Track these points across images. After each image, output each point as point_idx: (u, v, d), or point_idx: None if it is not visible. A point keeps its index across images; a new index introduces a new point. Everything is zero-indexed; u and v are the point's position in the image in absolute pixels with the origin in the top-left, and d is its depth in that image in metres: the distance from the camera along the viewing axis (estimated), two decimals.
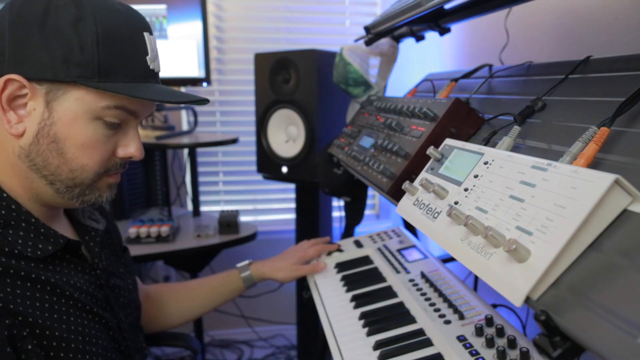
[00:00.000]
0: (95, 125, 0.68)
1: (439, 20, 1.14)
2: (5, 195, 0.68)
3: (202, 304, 1.12)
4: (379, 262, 1.10)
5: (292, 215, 2.35)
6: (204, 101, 0.75)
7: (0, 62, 0.64)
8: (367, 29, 1.22)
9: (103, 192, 0.74)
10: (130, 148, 0.73)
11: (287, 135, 1.72)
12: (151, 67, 0.72)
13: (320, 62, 1.57)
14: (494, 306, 0.83)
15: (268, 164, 1.74)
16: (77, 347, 0.68)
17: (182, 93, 0.78)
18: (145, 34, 0.71)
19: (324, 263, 1.15)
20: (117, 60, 0.67)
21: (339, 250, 1.21)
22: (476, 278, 1.13)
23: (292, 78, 1.63)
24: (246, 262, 1.15)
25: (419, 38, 1.28)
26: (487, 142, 0.72)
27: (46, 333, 0.64)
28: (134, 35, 0.69)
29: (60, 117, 0.66)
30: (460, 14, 1.07)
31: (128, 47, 0.68)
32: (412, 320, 0.84)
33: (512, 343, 0.68)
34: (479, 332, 0.73)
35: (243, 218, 2.14)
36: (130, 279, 0.92)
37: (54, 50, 0.63)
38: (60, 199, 0.71)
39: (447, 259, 1.07)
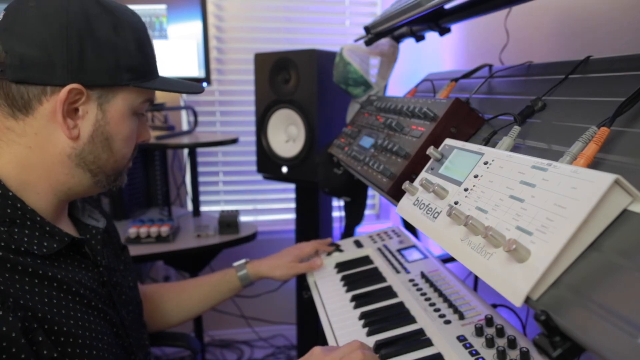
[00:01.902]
0: (133, 119, 0.77)
1: (439, 20, 1.13)
2: (10, 194, 0.68)
3: (200, 303, 1.13)
4: (379, 262, 1.10)
5: (292, 215, 2.35)
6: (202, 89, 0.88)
7: (51, 73, 0.67)
8: (367, 29, 1.22)
9: (125, 176, 0.83)
10: (145, 134, 0.83)
11: (287, 135, 1.72)
12: (157, 60, 0.81)
13: (320, 62, 1.57)
14: (494, 306, 0.83)
15: (268, 164, 1.74)
16: (84, 342, 0.68)
17: (188, 82, 0.88)
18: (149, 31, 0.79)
19: (320, 260, 1.15)
20: (149, 60, 0.77)
21: (339, 250, 1.21)
22: (476, 278, 1.13)
23: (292, 78, 1.63)
24: (243, 260, 1.16)
25: (419, 38, 1.28)
26: (487, 142, 0.72)
27: (55, 328, 0.65)
28: (148, 35, 0.78)
29: (113, 116, 0.74)
30: (460, 14, 1.07)
31: (149, 46, 0.78)
32: (412, 320, 0.84)
33: (512, 343, 0.68)
34: (479, 332, 0.73)
35: (243, 218, 2.14)
36: (130, 277, 0.93)
37: (107, 58, 0.70)
38: (95, 187, 0.78)
39: (447, 259, 1.07)
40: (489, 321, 0.74)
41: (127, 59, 0.72)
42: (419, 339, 0.78)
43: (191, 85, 0.87)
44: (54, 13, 0.67)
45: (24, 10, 0.67)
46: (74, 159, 0.72)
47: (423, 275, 0.96)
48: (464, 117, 0.79)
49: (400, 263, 1.05)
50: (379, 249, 1.16)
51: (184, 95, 2.16)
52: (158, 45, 0.80)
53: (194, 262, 1.80)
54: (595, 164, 0.51)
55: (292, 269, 1.14)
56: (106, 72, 0.70)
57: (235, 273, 1.13)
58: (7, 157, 0.70)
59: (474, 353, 0.69)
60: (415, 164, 0.79)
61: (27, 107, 0.68)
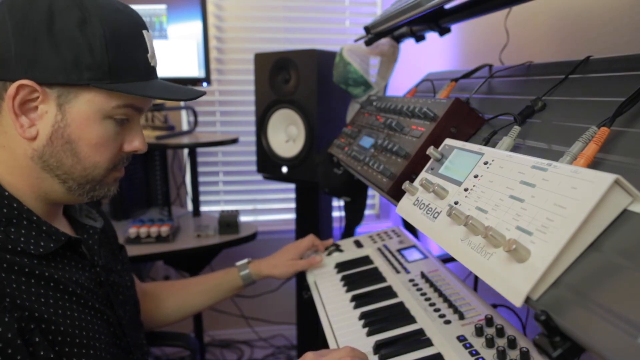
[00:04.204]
0: (106, 124, 0.70)
1: (439, 21, 1.13)
2: (7, 194, 0.68)
3: (201, 301, 1.13)
4: (379, 262, 1.10)
5: (292, 215, 2.35)
6: (203, 93, 0.80)
7: (7, 67, 0.65)
8: (367, 29, 1.22)
9: (111, 186, 0.77)
10: (135, 142, 0.76)
11: (287, 135, 1.72)
12: (152, 63, 0.75)
13: (320, 62, 1.57)
14: (494, 306, 0.83)
15: (268, 164, 1.74)
16: (81, 342, 0.69)
17: (183, 88, 0.81)
18: (144, 32, 0.73)
19: (320, 257, 1.16)
20: (125, 61, 0.69)
21: (339, 250, 1.21)
22: (476, 278, 1.13)
23: (292, 78, 1.63)
24: (245, 260, 1.16)
25: (419, 38, 1.28)
26: (487, 142, 0.72)
27: (52, 328, 0.65)
28: (135, 34, 0.72)
29: (74, 118, 0.68)
30: (460, 14, 1.07)
31: (132, 47, 0.71)
32: (412, 320, 0.84)
33: (512, 343, 0.68)
34: (479, 332, 0.73)
35: (243, 218, 2.14)
36: (127, 276, 0.93)
37: (64, 54, 0.65)
38: (70, 195, 0.73)
39: (447, 259, 1.07)
40: (489, 321, 0.74)
41: (88, 57, 0.65)
42: (419, 339, 0.78)
43: (178, 91, 0.77)
44: (13, 6, 0.65)
45: None
46: (37, 161, 0.69)
47: (423, 275, 0.96)
48: (464, 117, 0.79)
49: (400, 263, 1.05)
50: (379, 249, 1.16)
51: None
52: (158, 45, 0.76)
53: (194, 262, 1.80)
54: (595, 164, 0.51)
55: (292, 266, 1.14)
56: (62, 70, 0.65)
57: (237, 272, 1.14)
58: None
59: (474, 353, 0.69)
60: (415, 164, 0.79)
61: None
